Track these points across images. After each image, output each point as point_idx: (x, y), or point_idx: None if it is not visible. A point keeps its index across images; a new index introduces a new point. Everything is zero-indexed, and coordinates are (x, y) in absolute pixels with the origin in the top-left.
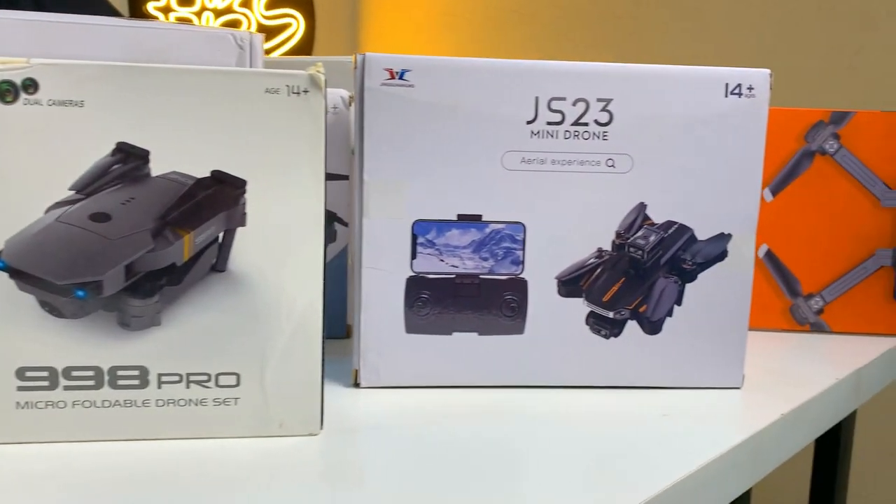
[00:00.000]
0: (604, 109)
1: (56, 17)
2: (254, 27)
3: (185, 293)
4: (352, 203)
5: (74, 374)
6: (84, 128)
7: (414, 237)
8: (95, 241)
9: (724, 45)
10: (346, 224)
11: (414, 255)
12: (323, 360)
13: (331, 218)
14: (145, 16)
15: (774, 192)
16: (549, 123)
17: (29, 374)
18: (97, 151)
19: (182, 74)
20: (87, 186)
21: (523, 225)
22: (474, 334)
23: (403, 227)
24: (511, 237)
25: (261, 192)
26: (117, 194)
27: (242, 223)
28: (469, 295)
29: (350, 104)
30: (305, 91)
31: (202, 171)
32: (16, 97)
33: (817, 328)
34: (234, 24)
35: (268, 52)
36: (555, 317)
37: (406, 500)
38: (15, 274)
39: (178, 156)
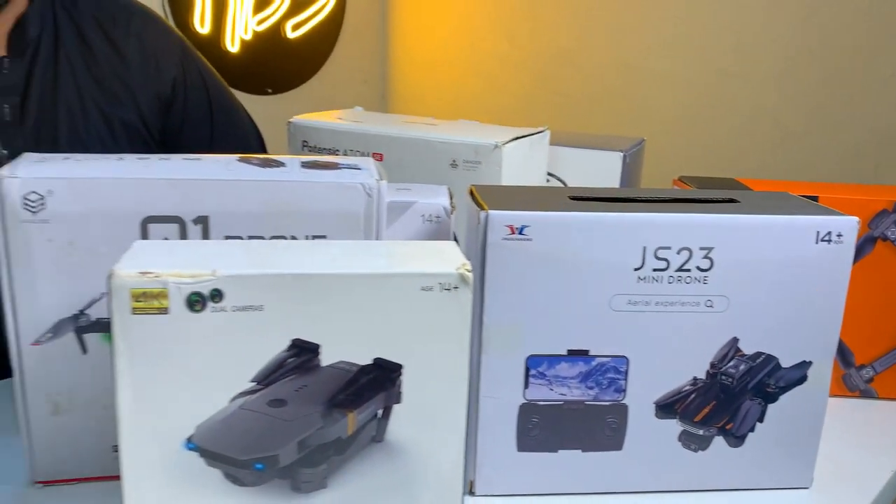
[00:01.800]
0: (706, 257)
1: (203, 174)
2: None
3: (348, 461)
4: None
5: None
6: (264, 328)
7: (527, 369)
8: (272, 422)
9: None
10: None
11: (527, 385)
12: None
13: None
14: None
15: None
16: (654, 270)
17: None
18: (275, 348)
19: (348, 279)
20: (267, 378)
21: (627, 358)
22: (578, 451)
23: (518, 361)
24: (615, 369)
25: (414, 373)
26: (292, 383)
27: (398, 401)
28: (575, 419)
29: (452, 212)
30: (456, 287)
31: (365, 359)
32: (204, 306)
33: (866, 395)
34: None
35: (298, 25)
36: (651, 435)
37: None
38: (204, 453)
39: (345, 347)
